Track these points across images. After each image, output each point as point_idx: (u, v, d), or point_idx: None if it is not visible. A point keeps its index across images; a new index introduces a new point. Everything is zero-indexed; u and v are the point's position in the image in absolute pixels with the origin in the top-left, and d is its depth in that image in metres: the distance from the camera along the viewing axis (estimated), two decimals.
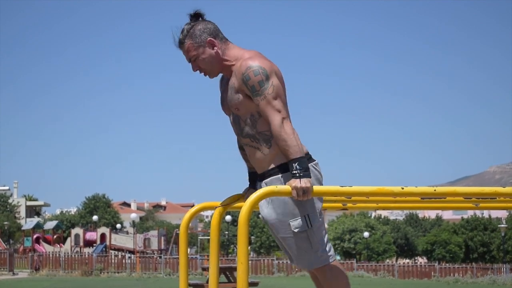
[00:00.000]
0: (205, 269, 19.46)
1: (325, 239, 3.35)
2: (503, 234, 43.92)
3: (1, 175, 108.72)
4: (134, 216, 42.07)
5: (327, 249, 3.34)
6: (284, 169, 3.27)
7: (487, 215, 57.08)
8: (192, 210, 3.80)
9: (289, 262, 35.36)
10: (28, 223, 52.10)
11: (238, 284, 3.06)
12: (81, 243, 44.37)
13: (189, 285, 10.05)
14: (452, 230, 54.46)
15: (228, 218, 47.32)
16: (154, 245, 43.96)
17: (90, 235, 45.19)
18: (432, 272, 34.19)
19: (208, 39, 3.33)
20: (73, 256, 33.85)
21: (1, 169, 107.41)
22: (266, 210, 3.32)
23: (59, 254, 33.50)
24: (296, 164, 3.14)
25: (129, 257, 34.43)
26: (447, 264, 39.18)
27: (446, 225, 56.93)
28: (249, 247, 3.04)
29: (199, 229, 73.21)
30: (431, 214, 65.33)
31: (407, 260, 55.37)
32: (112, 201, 67.26)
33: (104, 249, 41.64)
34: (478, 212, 58.61)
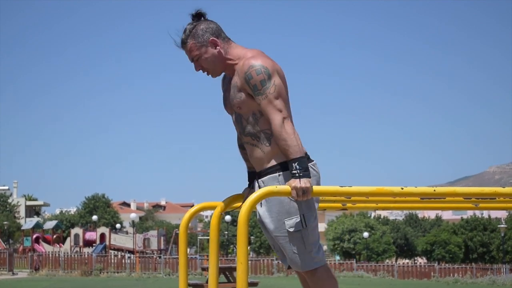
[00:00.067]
0: (205, 269, 19.46)
1: (318, 242, 3.34)
2: (502, 235, 43.92)
3: (0, 174, 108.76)
4: (133, 216, 42.06)
5: (320, 251, 3.33)
6: (283, 167, 3.27)
7: (486, 215, 57.05)
8: (192, 210, 3.79)
9: None
10: (27, 223, 52.11)
11: (237, 284, 3.06)
12: (81, 243, 44.38)
13: (189, 285, 10.06)
14: (451, 230, 54.44)
15: (228, 218, 47.34)
16: (154, 245, 43.97)
17: (90, 235, 45.19)
18: (432, 272, 34.20)
19: (211, 38, 3.33)
20: (72, 256, 33.85)
21: (1, 169, 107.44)
22: (262, 208, 3.32)
23: (59, 254, 33.50)
24: (296, 164, 3.14)
25: (129, 257, 34.42)
26: (447, 265, 39.20)
27: (446, 225, 56.91)
28: (248, 247, 3.03)
29: (199, 229, 73.20)
30: (431, 214, 65.30)
31: (407, 260, 55.36)
32: (111, 201, 67.25)
33: (103, 249, 41.64)
34: (477, 212, 58.58)
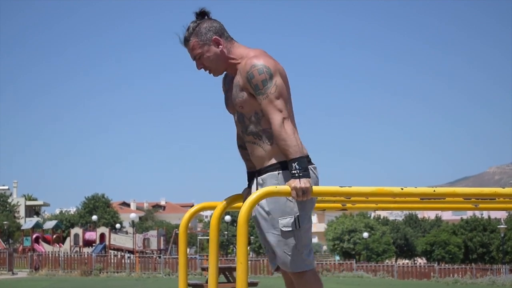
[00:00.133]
0: (205, 269, 19.48)
1: (310, 245, 3.33)
2: (502, 235, 43.91)
3: (0, 174, 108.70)
4: (133, 216, 42.07)
5: (311, 255, 3.31)
6: (283, 166, 3.27)
7: (486, 216, 57.03)
8: (192, 210, 3.79)
9: None
10: (27, 223, 52.12)
11: (237, 284, 3.06)
12: (81, 243, 44.38)
13: (189, 285, 10.05)
14: (451, 231, 54.43)
15: (228, 218, 47.35)
16: (154, 245, 43.97)
17: (90, 235, 45.20)
18: (432, 273, 34.19)
19: (214, 37, 3.34)
20: (72, 256, 33.85)
21: (1, 168, 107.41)
22: (257, 206, 3.33)
23: (59, 254, 33.50)
24: (295, 164, 3.14)
25: (129, 257, 34.41)
26: (447, 265, 39.18)
27: (446, 225, 56.90)
28: (248, 247, 3.03)
29: (199, 229, 73.19)
30: (431, 215, 65.28)
31: (407, 261, 55.32)
32: (111, 201, 67.23)
33: (103, 249, 41.64)
34: (477, 213, 58.57)
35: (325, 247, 72.42)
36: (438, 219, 62.45)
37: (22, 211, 68.72)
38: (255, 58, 3.26)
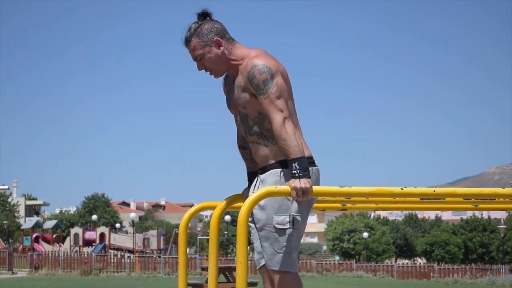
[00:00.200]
0: (204, 269, 19.47)
1: (298, 248, 3.31)
2: (502, 235, 43.92)
3: (0, 174, 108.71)
4: (133, 215, 42.07)
5: (297, 258, 3.30)
6: (284, 165, 3.27)
7: (486, 216, 57.06)
8: (192, 210, 3.79)
9: None
10: (27, 222, 52.15)
11: (237, 284, 3.06)
12: (80, 243, 44.41)
13: (188, 284, 10.04)
14: (451, 231, 54.45)
15: (228, 218, 47.38)
16: (154, 245, 43.99)
17: (89, 235, 45.22)
18: (431, 273, 34.21)
19: (215, 38, 3.34)
20: (72, 255, 33.86)
21: (1, 168, 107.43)
22: None
23: (58, 254, 33.52)
24: (295, 164, 3.14)
25: (128, 257, 34.44)
26: (446, 265, 39.18)
27: (446, 225, 56.92)
28: (248, 247, 3.03)
29: (198, 229, 73.22)
30: (431, 215, 65.31)
31: (406, 261, 55.34)
32: (111, 201, 67.24)
33: (103, 248, 41.66)
34: (477, 213, 58.58)
35: (325, 247, 72.43)
36: (438, 219, 62.46)
37: (22, 210, 68.73)
38: (256, 58, 3.26)
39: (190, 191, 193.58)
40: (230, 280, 12.86)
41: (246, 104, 3.31)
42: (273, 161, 3.30)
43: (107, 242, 42.99)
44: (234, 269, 12.80)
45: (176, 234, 42.12)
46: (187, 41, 3.37)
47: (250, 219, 3.45)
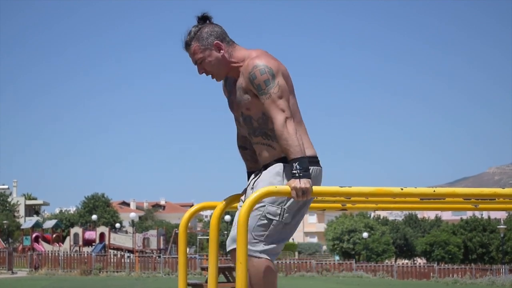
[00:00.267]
0: (204, 268, 19.47)
1: (282, 243, 3.29)
2: (502, 235, 43.93)
3: (0, 174, 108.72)
4: (133, 215, 42.07)
5: (274, 254, 3.26)
6: (287, 161, 3.28)
7: (486, 216, 57.06)
8: (191, 209, 3.79)
9: (287, 261, 35.35)
10: (27, 222, 52.16)
11: (237, 284, 3.06)
12: (80, 242, 44.39)
13: (188, 284, 10.04)
14: (451, 231, 54.45)
15: (228, 218, 47.32)
16: (153, 245, 43.98)
17: (89, 234, 45.21)
18: (431, 273, 34.22)
19: (215, 42, 3.34)
20: (72, 255, 33.86)
21: (1, 168, 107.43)
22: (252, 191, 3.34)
23: (58, 253, 33.53)
24: (296, 164, 3.14)
25: (128, 257, 34.44)
26: (446, 265, 39.20)
27: (445, 226, 56.93)
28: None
29: (198, 228, 73.21)
30: (431, 215, 65.31)
31: (406, 261, 55.34)
32: (111, 201, 67.22)
33: (103, 248, 41.66)
34: (477, 213, 58.58)
35: (324, 247, 72.42)
36: (437, 219, 62.47)
37: (22, 210, 68.71)
38: (257, 58, 3.27)
39: (190, 191, 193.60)
40: (230, 280, 12.87)
41: (249, 106, 3.32)
42: (277, 158, 3.32)
43: (107, 242, 42.98)
44: (234, 269, 12.79)
45: (176, 234, 42.12)
46: (187, 45, 3.38)
47: (242, 197, 3.46)
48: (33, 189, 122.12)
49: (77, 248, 43.31)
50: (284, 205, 3.24)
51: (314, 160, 3.32)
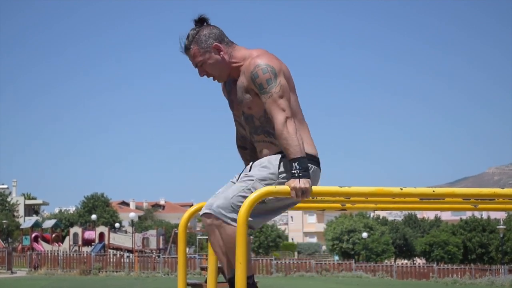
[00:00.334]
0: (204, 268, 19.43)
1: (257, 221, 3.24)
2: (501, 235, 43.92)
3: (0, 173, 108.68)
4: (132, 215, 42.07)
5: (251, 226, 3.21)
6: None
7: (485, 216, 57.06)
8: (191, 209, 3.79)
9: (287, 261, 35.31)
10: (26, 222, 52.14)
11: (236, 284, 3.06)
12: (80, 242, 44.38)
13: (188, 284, 10.04)
14: (450, 231, 54.45)
15: None
16: (153, 245, 43.97)
17: (89, 234, 45.19)
18: (431, 273, 34.22)
19: (214, 44, 3.35)
20: (71, 255, 33.85)
21: (0, 167, 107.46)
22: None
23: (58, 253, 33.52)
24: (296, 163, 3.14)
25: (128, 256, 34.42)
26: (446, 265, 39.19)
27: (445, 226, 56.94)
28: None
29: (198, 228, 73.06)
30: (430, 215, 65.33)
31: (406, 261, 55.34)
32: (111, 200, 67.17)
33: (102, 248, 41.64)
34: (477, 213, 58.59)
35: (324, 247, 72.42)
36: (437, 220, 62.48)
37: (21, 210, 68.68)
38: (258, 58, 3.28)
39: (189, 191, 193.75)
40: None
41: (251, 105, 3.33)
42: (277, 153, 3.34)
43: (106, 242, 42.97)
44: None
45: (176, 234, 42.08)
46: (187, 49, 3.38)
47: (236, 176, 3.45)
48: (32, 189, 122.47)
49: (76, 248, 43.31)
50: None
51: (313, 159, 3.32)
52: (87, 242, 44.51)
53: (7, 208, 62.78)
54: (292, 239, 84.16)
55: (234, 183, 3.39)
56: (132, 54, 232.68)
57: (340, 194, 3.26)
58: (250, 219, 3.12)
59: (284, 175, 3.27)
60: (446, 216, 69.56)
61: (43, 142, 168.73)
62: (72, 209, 73.66)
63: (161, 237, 45.26)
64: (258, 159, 3.45)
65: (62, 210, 71.27)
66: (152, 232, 46.14)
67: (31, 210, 75.08)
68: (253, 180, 3.25)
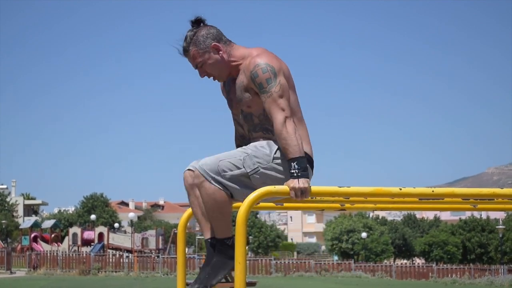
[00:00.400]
0: None
1: (236, 190, 3.23)
2: (500, 235, 43.94)
3: None
4: (132, 215, 42.09)
5: (239, 194, 3.23)
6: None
7: (485, 216, 57.09)
8: (190, 209, 3.79)
9: (286, 261, 35.35)
10: (26, 222, 52.10)
11: (236, 284, 3.06)
12: (79, 242, 44.36)
13: (187, 284, 10.04)
14: (450, 231, 54.47)
15: None
16: (152, 245, 43.97)
17: (88, 234, 45.17)
18: (430, 273, 34.24)
19: (213, 44, 3.35)
20: (70, 255, 33.86)
21: (0, 167, 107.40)
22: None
23: (57, 253, 33.52)
24: (295, 163, 3.14)
25: (127, 257, 34.44)
26: (445, 265, 39.21)
27: (444, 226, 56.96)
28: (247, 247, 3.03)
29: (197, 228, 73.10)
30: (429, 215, 65.35)
31: (405, 261, 55.38)
32: (110, 200, 67.15)
33: (102, 248, 41.63)
34: (476, 213, 58.61)
35: (323, 247, 72.45)
36: (436, 220, 62.50)
37: (20, 210, 68.66)
38: (258, 57, 3.28)
39: None
40: (229, 280, 12.85)
41: (250, 103, 3.33)
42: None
43: (105, 242, 42.96)
44: (232, 269, 12.79)
45: (175, 234, 42.09)
46: (185, 51, 3.38)
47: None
48: (32, 189, 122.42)
49: (75, 248, 43.29)
50: (262, 167, 3.25)
51: (308, 159, 3.31)
52: (86, 242, 44.51)
53: (6, 208, 62.75)
54: (292, 239, 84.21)
55: None
56: (132, 54, 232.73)
57: (339, 194, 3.26)
58: (233, 185, 3.19)
59: (278, 161, 3.27)
60: (445, 216, 69.60)
61: (43, 142, 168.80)
62: (71, 209, 73.62)
63: (160, 237, 45.26)
64: None
65: (61, 210, 71.23)
66: (152, 232, 46.13)
67: (30, 210, 75.06)
68: (247, 154, 3.26)
